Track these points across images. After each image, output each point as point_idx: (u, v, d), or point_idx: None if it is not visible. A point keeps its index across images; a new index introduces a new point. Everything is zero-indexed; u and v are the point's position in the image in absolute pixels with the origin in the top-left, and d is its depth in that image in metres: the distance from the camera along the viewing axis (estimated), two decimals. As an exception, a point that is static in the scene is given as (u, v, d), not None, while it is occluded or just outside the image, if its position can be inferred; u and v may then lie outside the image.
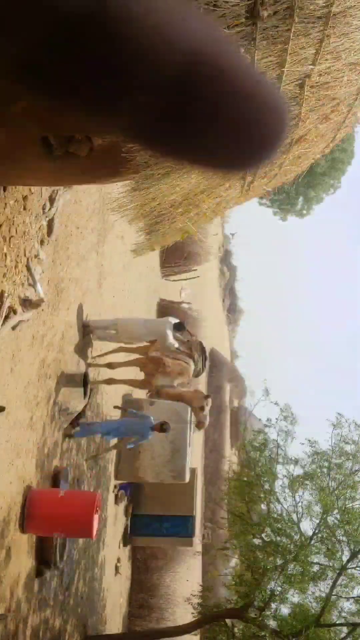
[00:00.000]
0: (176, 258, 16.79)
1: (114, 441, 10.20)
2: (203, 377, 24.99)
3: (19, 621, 6.83)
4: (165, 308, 18.27)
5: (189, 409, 11.25)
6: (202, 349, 9.95)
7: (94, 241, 9.82)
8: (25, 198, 5.47)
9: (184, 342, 9.78)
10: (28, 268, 6.04)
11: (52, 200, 6.59)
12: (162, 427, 9.60)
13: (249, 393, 36.77)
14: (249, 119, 0.78)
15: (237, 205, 4.34)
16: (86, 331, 9.44)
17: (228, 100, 0.75)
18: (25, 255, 5.94)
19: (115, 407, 10.78)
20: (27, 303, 5.99)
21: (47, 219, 6.55)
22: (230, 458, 29.27)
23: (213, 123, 0.76)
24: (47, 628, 8.08)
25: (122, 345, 10.31)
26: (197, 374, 10.22)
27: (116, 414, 12.23)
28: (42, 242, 6.83)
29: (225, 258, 34.40)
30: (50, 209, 6.44)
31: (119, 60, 0.70)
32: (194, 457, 15.98)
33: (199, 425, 9.86)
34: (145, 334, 9.74)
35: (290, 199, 32.06)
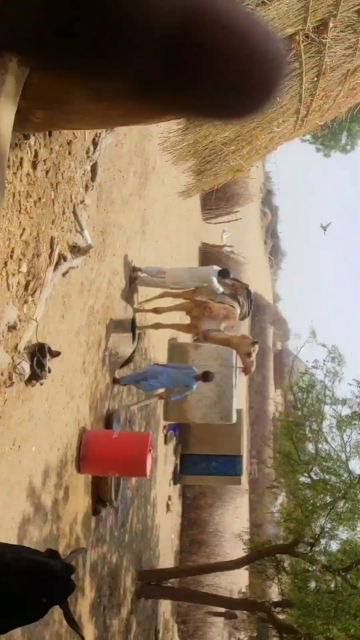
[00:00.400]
0: (217, 200, 16.52)
1: (159, 391, 10.28)
2: (246, 320, 24.95)
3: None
4: (207, 252, 18.13)
5: (235, 352, 11.27)
6: (248, 292, 9.87)
7: (136, 185, 9.71)
8: (69, 143, 5.40)
9: (229, 286, 9.72)
10: (75, 214, 6.02)
11: (95, 143, 6.49)
12: (205, 376, 9.61)
13: (293, 336, 36.62)
14: (247, 67, 0.80)
15: (289, 140, 4.19)
16: (132, 278, 9.47)
17: (228, 48, 0.76)
18: (71, 201, 5.92)
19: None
20: (75, 249, 6.00)
21: (91, 163, 6.48)
22: (275, 399, 29.50)
23: (214, 70, 0.78)
24: (104, 563, 8.45)
25: (168, 290, 10.32)
26: (242, 317, 10.18)
27: (162, 359, 12.37)
28: (86, 188, 6.78)
29: (267, 199, 33.69)
30: (94, 152, 6.35)
31: (121, 16, 0.72)
32: (239, 398, 16.11)
33: (246, 371, 9.87)
34: (191, 280, 9.70)
35: (333, 134, 30.95)
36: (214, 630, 15.11)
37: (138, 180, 9.83)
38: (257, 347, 9.78)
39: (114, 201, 8.34)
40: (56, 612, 6.41)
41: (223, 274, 9.73)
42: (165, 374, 9.51)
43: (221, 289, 9.56)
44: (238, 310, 9.74)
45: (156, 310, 10.03)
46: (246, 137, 3.44)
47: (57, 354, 5.51)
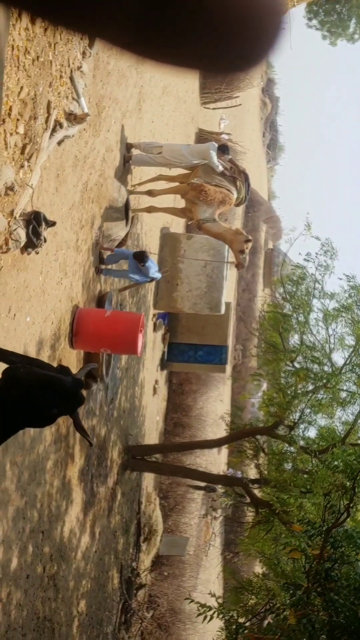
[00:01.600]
0: (217, 83, 15.82)
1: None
2: (240, 215, 24.66)
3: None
4: (204, 139, 17.58)
5: (227, 247, 11.17)
6: (246, 177, 9.67)
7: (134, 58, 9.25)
8: None
9: (227, 168, 9.49)
10: (72, 80, 5.77)
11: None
12: (138, 255, 8.69)
13: (289, 230, 36.19)
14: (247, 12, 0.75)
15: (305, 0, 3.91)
16: (126, 157, 9.22)
17: None
18: (69, 66, 5.65)
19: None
20: (72, 117, 5.80)
21: (90, 26, 6.13)
22: (263, 297, 29.78)
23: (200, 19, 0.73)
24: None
25: (162, 173, 10.07)
26: (239, 203, 10.04)
27: (155, 247, 12.33)
28: (83, 54, 6.46)
29: (268, 87, 32.26)
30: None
31: None
32: (228, 293, 16.27)
33: (238, 266, 9.78)
34: (190, 155, 9.43)
35: (341, 21, 29.25)
36: (192, 505, 16.09)
37: (136, 54, 9.35)
38: (250, 244, 9.68)
39: (111, 72, 7.98)
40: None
41: (223, 149, 9.47)
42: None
43: (220, 167, 9.32)
44: (235, 195, 9.57)
45: (150, 193, 9.86)
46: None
47: (53, 223, 5.47)
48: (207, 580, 16.22)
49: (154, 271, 8.85)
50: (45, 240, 5.32)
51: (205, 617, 5.55)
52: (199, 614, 5.64)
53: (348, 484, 5.01)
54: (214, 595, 6.59)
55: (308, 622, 4.11)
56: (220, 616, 5.51)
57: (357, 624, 4.05)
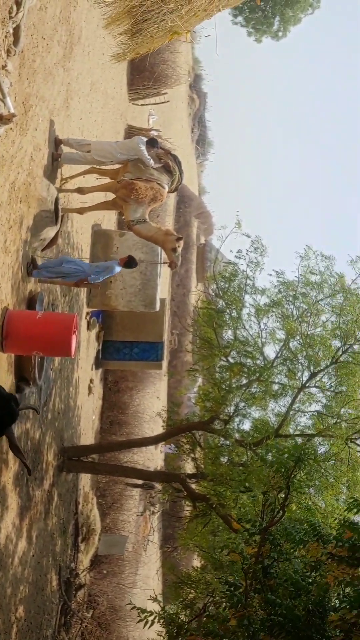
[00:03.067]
0: (145, 79, 15.80)
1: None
2: (172, 212, 24.73)
3: None
4: (133, 135, 17.53)
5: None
6: (179, 161, 9.74)
7: (61, 55, 9.12)
8: (-10, -5, 4.96)
9: (159, 158, 9.50)
10: (-4, 79, 5.64)
11: (18, 3, 6.00)
12: (128, 262, 9.51)
13: (220, 227, 36.53)
14: None
15: (229, 6, 3.99)
16: (55, 155, 9.09)
17: None
18: (-8, 64, 5.52)
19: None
20: (-3, 118, 5.67)
21: (14, 25, 6.01)
22: (197, 292, 30.02)
23: None
24: (27, 438, 8.70)
25: (94, 166, 10.00)
26: (176, 188, 10.09)
27: (86, 245, 12.22)
28: (8, 53, 6.33)
29: (196, 84, 32.45)
30: (17, 12, 5.88)
31: None
32: (162, 288, 16.31)
33: (171, 265, 9.87)
34: (119, 152, 9.39)
35: (266, 18, 29.73)
36: (130, 502, 16.11)
37: (62, 50, 9.22)
38: (181, 242, 9.76)
39: (37, 71, 7.84)
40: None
41: (152, 143, 9.48)
42: (84, 267, 9.19)
43: (152, 161, 9.34)
44: (166, 189, 9.61)
45: (80, 191, 9.76)
46: (186, -5, 3.27)
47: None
48: (147, 576, 16.30)
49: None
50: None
51: (146, 623, 5.59)
52: (140, 620, 5.68)
53: (283, 483, 5.16)
54: (155, 600, 6.65)
55: (248, 623, 4.22)
56: (162, 621, 5.56)
57: (294, 621, 4.19)
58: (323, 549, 4.74)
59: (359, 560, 4.38)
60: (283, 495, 5.12)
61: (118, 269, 9.65)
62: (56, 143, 9.04)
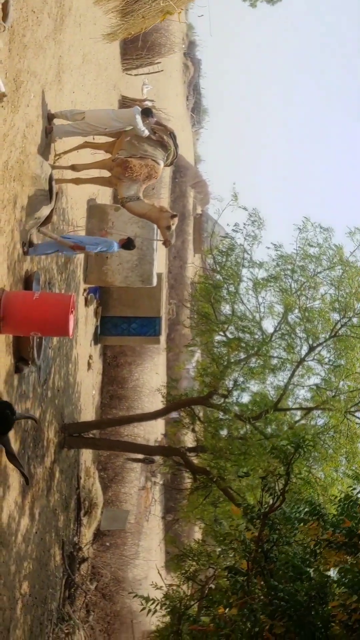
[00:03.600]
0: (138, 50, 15.47)
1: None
2: (167, 183, 24.45)
3: None
4: (127, 106, 17.22)
5: None
6: (174, 135, 9.62)
7: (51, 28, 8.90)
8: (-24, -30, 4.80)
9: (153, 132, 9.39)
10: (-15, 57, 5.49)
11: (4, -26, 5.81)
12: (127, 244, 9.59)
13: (216, 199, 36.26)
14: None
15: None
16: (48, 129, 8.93)
17: None
18: (-20, 41, 5.37)
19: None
20: (-13, 97, 5.54)
21: (2, 0, 5.84)
22: (194, 263, 29.90)
23: None
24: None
25: (87, 141, 9.85)
26: (171, 162, 9.99)
27: (81, 221, 12.10)
28: (-4, 27, 6.16)
29: (190, 51, 31.80)
30: (3, -15, 5.70)
31: None
32: (159, 262, 16.22)
33: (166, 243, 9.80)
34: (115, 120, 9.25)
35: (261, -18, 28.99)
36: (132, 475, 16.29)
37: (53, 23, 9.00)
38: (176, 220, 9.68)
39: (27, 45, 7.65)
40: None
41: (147, 113, 9.34)
42: (82, 242, 9.29)
43: (146, 132, 9.22)
44: (162, 165, 9.50)
45: (74, 168, 9.62)
46: (177, -26, 3.14)
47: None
48: (149, 548, 16.56)
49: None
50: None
51: (149, 611, 5.70)
52: (143, 609, 5.79)
53: (282, 469, 5.19)
54: (157, 587, 6.76)
55: (250, 611, 4.29)
56: (164, 607, 5.66)
57: (296, 606, 4.26)
58: (322, 530, 4.79)
59: (356, 546, 4.42)
60: (283, 482, 5.16)
61: (117, 247, 9.64)
62: (49, 118, 8.88)
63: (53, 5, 8.91)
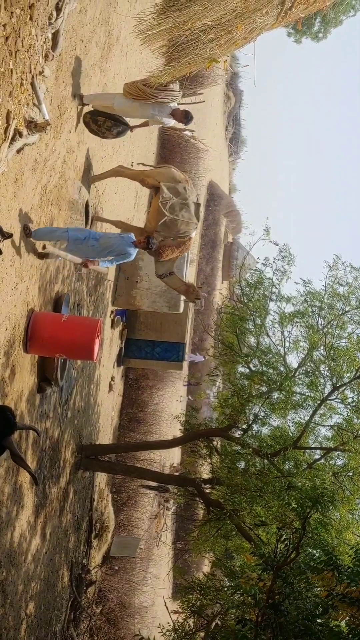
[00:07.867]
0: (181, 79, 15.68)
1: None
2: (202, 210, 24.61)
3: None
4: (166, 136, 17.48)
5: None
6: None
7: (98, 56, 9.13)
8: (31, 6, 4.97)
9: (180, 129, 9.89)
10: (33, 86, 5.66)
11: (58, 9, 6.01)
12: (146, 242, 8.60)
13: (247, 231, 36.51)
14: None
15: (269, 31, 3.95)
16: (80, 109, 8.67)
17: None
18: (30, 72, 5.54)
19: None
20: (32, 125, 5.70)
21: (53, 30, 6.02)
22: (221, 291, 29.95)
23: None
24: (46, 437, 8.78)
25: (122, 165, 10.15)
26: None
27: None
28: (46, 57, 6.35)
29: (232, 81, 32.18)
30: (56, 18, 5.89)
31: None
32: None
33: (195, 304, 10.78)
34: (147, 115, 9.39)
35: (307, 19, 29.31)
36: (145, 500, 16.17)
37: (100, 52, 9.23)
38: (200, 295, 10.75)
39: (74, 73, 7.86)
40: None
41: (187, 116, 9.77)
42: (91, 238, 8.07)
43: (172, 121, 9.64)
44: (193, 235, 9.96)
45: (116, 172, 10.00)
46: (226, 26, 3.23)
47: (9, 235, 5.39)
48: (157, 575, 16.36)
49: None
50: (0, 252, 5.23)
51: None
52: None
53: (298, 523, 5.11)
54: (163, 630, 6.69)
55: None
56: None
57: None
58: (337, 580, 4.68)
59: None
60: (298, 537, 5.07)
61: (133, 252, 8.67)
62: (81, 99, 8.62)
63: (101, 34, 9.14)
